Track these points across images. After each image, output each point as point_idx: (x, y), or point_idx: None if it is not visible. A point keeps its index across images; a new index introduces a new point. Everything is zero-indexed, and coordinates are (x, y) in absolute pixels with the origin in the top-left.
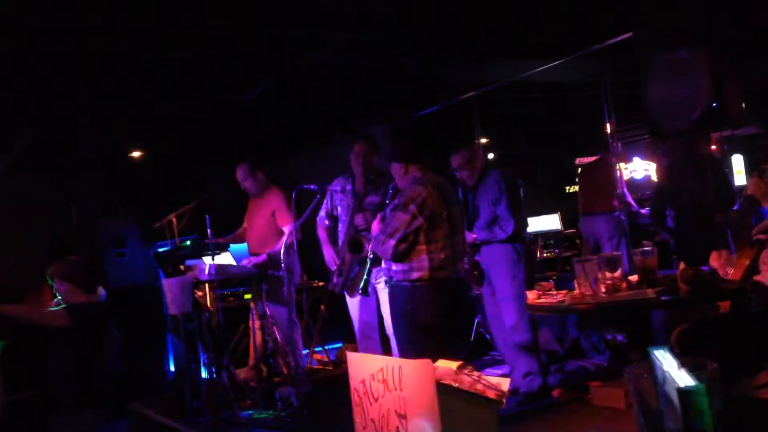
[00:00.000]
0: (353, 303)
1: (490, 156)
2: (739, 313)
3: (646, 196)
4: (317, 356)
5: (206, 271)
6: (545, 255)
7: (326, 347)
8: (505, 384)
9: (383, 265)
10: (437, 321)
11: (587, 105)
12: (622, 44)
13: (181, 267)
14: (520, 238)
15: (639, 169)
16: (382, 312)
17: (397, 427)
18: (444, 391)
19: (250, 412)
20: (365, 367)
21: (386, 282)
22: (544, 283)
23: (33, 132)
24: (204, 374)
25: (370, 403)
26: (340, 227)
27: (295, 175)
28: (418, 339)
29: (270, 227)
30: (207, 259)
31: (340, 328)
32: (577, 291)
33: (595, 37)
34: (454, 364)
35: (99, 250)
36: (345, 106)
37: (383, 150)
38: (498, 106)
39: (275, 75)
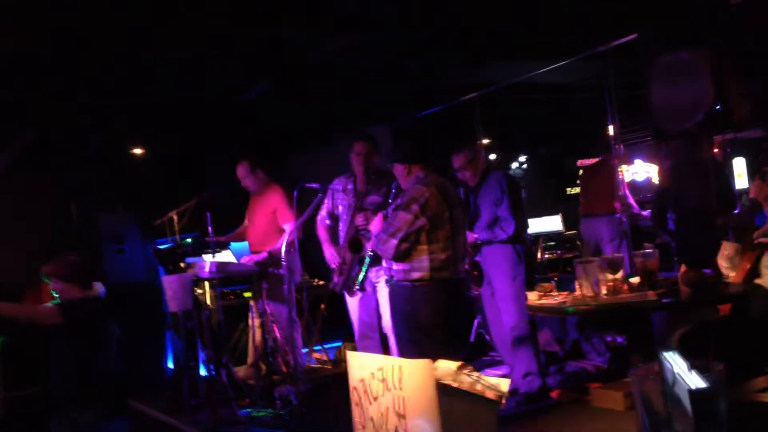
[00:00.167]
0: (353, 302)
1: (492, 157)
2: (740, 316)
3: (648, 198)
4: (317, 355)
5: (206, 269)
6: (546, 256)
7: (326, 346)
8: (504, 384)
9: (384, 264)
10: (437, 321)
11: (589, 106)
12: (625, 46)
13: (182, 264)
14: (520, 238)
15: (640, 171)
16: (381, 312)
17: (396, 427)
18: (444, 391)
19: (249, 410)
20: (365, 366)
21: (386, 281)
22: (545, 284)
23: (33, 131)
24: (203, 372)
25: (370, 402)
26: (341, 226)
27: (295, 175)
28: (418, 339)
29: (271, 225)
30: (207, 257)
31: (339, 328)
32: (578, 292)
33: (598, 38)
34: (454, 364)
35: (99, 247)
36: (346, 106)
37: (384, 150)
38: (500, 107)
39: (276, 75)
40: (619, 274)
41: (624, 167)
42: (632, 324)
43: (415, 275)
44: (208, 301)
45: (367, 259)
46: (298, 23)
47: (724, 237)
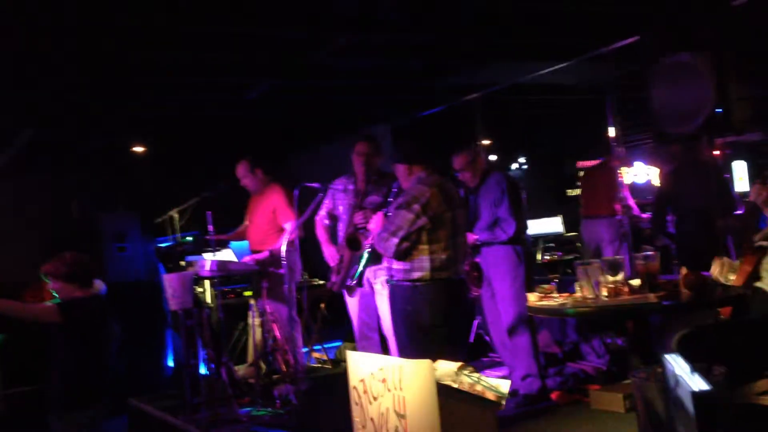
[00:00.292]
0: (353, 302)
1: (493, 158)
2: (740, 319)
3: (648, 200)
4: (316, 354)
5: (207, 268)
6: (546, 258)
7: (325, 345)
8: (504, 386)
9: (384, 264)
10: (438, 321)
11: (590, 108)
12: (627, 48)
13: (182, 263)
14: (520, 240)
15: (641, 173)
16: (380, 312)
17: (396, 427)
18: (444, 391)
19: (249, 409)
20: (365, 366)
21: (386, 281)
22: (545, 286)
23: (34, 129)
24: (203, 371)
25: (369, 402)
26: (340, 226)
27: (296, 174)
28: (418, 339)
29: (271, 224)
30: (208, 255)
31: (339, 327)
32: (578, 294)
33: (600, 40)
34: (454, 365)
35: (100, 246)
36: (347, 106)
37: (385, 150)
38: (501, 108)
39: (277, 74)
40: (620, 276)
41: (625, 169)
42: (632, 326)
43: (416, 275)
44: (209, 300)
45: (365, 255)
46: (300, 23)
47: (723, 240)
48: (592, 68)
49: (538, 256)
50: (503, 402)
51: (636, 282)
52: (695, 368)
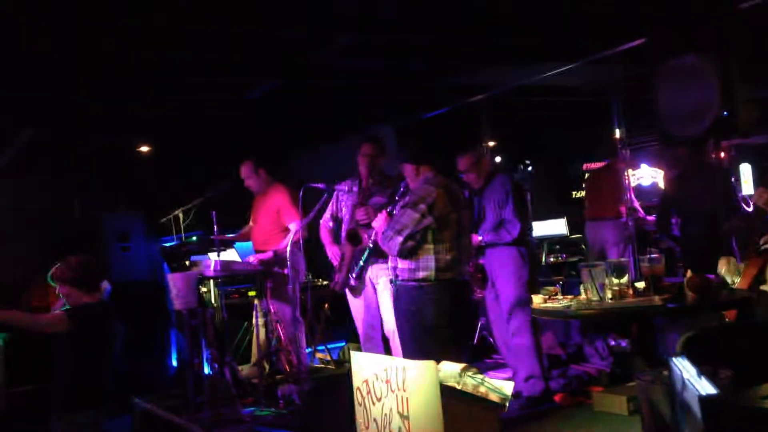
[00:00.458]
0: (356, 304)
1: (497, 159)
2: (745, 322)
3: (653, 203)
4: (320, 355)
5: (211, 268)
6: (551, 260)
7: (329, 346)
8: (508, 387)
9: (386, 264)
10: (442, 322)
11: (595, 110)
12: (633, 50)
13: (186, 262)
14: (525, 241)
15: (646, 176)
16: (382, 312)
17: (400, 428)
18: (447, 393)
19: (252, 409)
20: (368, 366)
21: (390, 281)
22: (549, 288)
23: (34, 129)
24: (207, 370)
25: (373, 403)
26: (344, 227)
27: (297, 175)
28: (422, 339)
29: (275, 225)
30: (212, 255)
31: (343, 327)
32: (583, 296)
33: (606, 42)
34: (457, 367)
35: (103, 245)
36: (348, 106)
37: (390, 152)
38: (506, 110)
39: (281, 74)
40: (624, 279)
41: (630, 171)
42: (636, 329)
43: (421, 274)
44: (213, 300)
45: (367, 251)
46: (300, 23)
47: (728, 242)
48: (597, 70)
49: (543, 258)
50: (506, 404)
51: (640, 284)
52: (702, 371)
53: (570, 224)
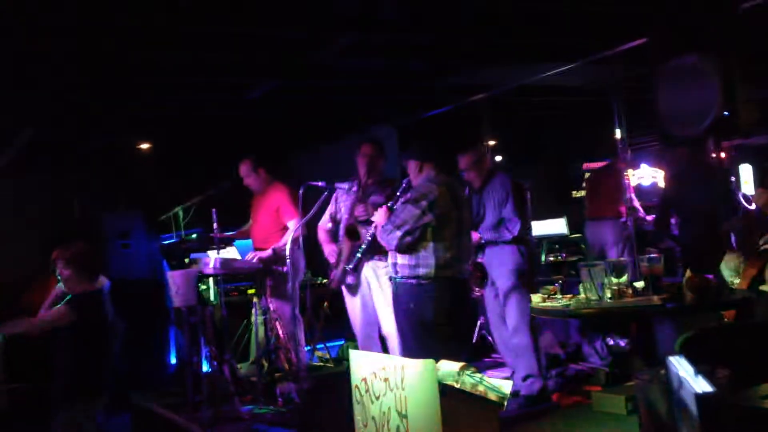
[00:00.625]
0: (353, 303)
1: (498, 158)
2: (744, 322)
3: (653, 203)
4: (319, 353)
5: (211, 265)
6: (550, 259)
7: (328, 344)
8: (507, 387)
9: (389, 260)
10: (441, 320)
11: (596, 110)
12: (633, 50)
13: (186, 260)
14: (524, 240)
15: (647, 175)
16: (378, 311)
17: (398, 426)
18: (446, 392)
19: (251, 407)
20: (367, 364)
21: (390, 278)
22: (548, 287)
23: (34, 129)
24: (206, 368)
25: (371, 402)
26: (342, 226)
27: (297, 175)
28: (421, 337)
29: (274, 223)
30: (212, 253)
31: (342, 325)
32: (582, 295)
33: (606, 42)
34: (456, 365)
35: (103, 243)
36: (348, 106)
37: (389, 152)
38: (506, 109)
39: (282, 74)
40: (624, 278)
41: (630, 171)
42: (635, 328)
43: (421, 271)
44: (212, 298)
45: (364, 245)
46: (300, 23)
47: (727, 241)
48: (597, 70)
49: (542, 258)
50: (505, 403)
51: (640, 284)
52: (699, 370)
53: (570, 224)
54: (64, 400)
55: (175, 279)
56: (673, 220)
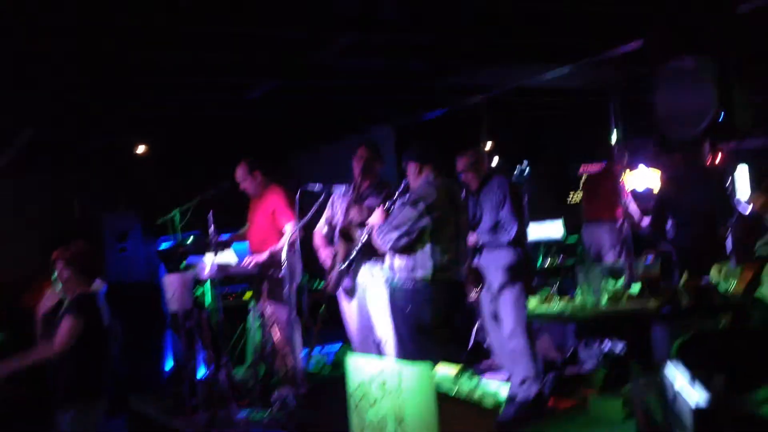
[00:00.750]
0: (349, 308)
1: (495, 160)
2: (741, 327)
3: (650, 205)
4: (316, 357)
5: (208, 269)
6: (548, 262)
7: (325, 348)
8: (503, 391)
9: (386, 262)
10: (438, 322)
11: (594, 111)
12: (631, 52)
13: (183, 264)
14: (521, 243)
15: (643, 178)
16: (372, 315)
17: (395, 431)
18: (443, 397)
19: (247, 411)
20: (364, 369)
21: (386, 280)
22: (546, 291)
23: (34, 129)
24: (202, 372)
25: (368, 406)
26: (337, 230)
27: (297, 175)
28: (418, 339)
29: (270, 226)
30: (209, 257)
31: (339, 330)
32: (579, 299)
33: (603, 43)
34: (453, 370)
35: (101, 245)
36: (348, 107)
37: (387, 153)
38: (504, 111)
39: (280, 75)
40: (620, 282)
41: (627, 173)
42: (632, 332)
43: (419, 273)
44: (209, 301)
45: (357, 246)
46: (302, 23)
47: (723, 245)
48: (596, 72)
49: (540, 261)
50: (501, 408)
51: (636, 288)
52: (695, 377)
53: (567, 226)
54: (65, 403)
55: (171, 283)
56: (669, 223)
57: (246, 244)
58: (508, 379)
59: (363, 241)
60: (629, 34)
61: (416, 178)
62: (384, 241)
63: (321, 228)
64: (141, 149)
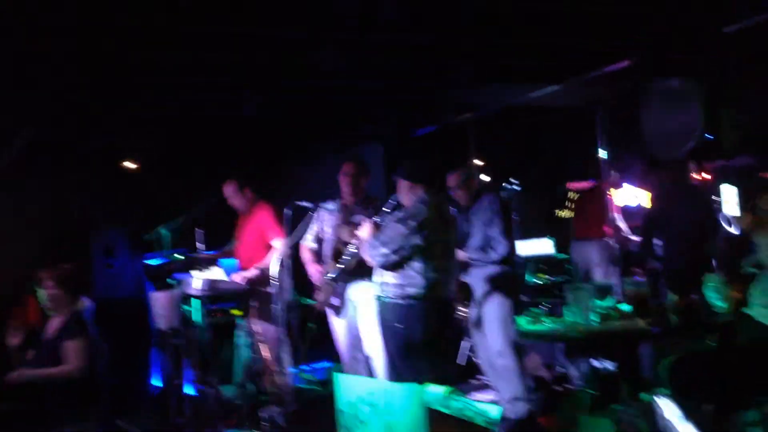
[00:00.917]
0: (339, 324)
1: (485, 178)
2: (728, 347)
3: (638, 223)
4: (305, 375)
5: (195, 286)
6: (536, 280)
7: (314, 366)
8: (493, 411)
9: (376, 279)
10: (429, 340)
11: (582, 129)
12: (618, 72)
13: (170, 281)
14: (510, 261)
15: (631, 196)
16: (361, 332)
17: None
18: (433, 416)
19: (235, 430)
20: (353, 389)
21: (377, 297)
22: (534, 309)
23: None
24: (189, 391)
25: (357, 426)
26: (326, 246)
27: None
28: (409, 357)
29: (259, 243)
30: (197, 274)
31: (329, 348)
32: (567, 318)
33: (592, 64)
34: (443, 389)
35: (88, 261)
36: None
37: (376, 168)
38: (493, 129)
39: (270, 91)
40: (609, 301)
41: (615, 191)
42: (621, 351)
43: (410, 291)
44: (197, 319)
45: (345, 257)
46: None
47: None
48: (583, 91)
49: (528, 278)
50: (494, 426)
51: (625, 306)
52: (684, 411)
53: (557, 244)
54: (56, 421)
55: (158, 300)
56: (657, 241)
57: (233, 261)
58: (497, 399)
59: (352, 252)
60: (616, 55)
61: (407, 195)
62: (373, 257)
63: (308, 242)
64: (130, 165)
